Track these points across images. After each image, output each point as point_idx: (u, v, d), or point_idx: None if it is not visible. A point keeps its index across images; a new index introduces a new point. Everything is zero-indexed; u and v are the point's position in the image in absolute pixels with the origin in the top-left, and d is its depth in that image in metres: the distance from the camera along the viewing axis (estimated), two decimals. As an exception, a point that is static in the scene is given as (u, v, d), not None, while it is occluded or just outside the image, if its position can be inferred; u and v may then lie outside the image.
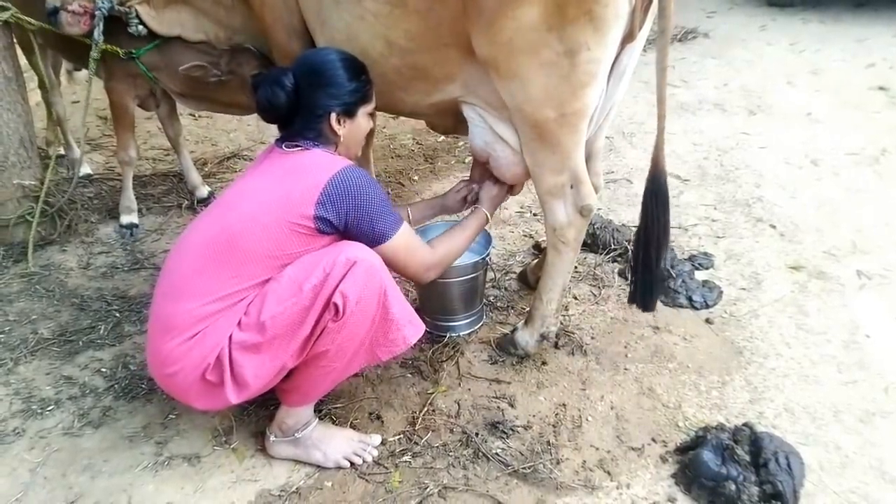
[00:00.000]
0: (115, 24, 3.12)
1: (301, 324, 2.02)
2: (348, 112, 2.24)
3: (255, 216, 2.07)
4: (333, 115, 2.21)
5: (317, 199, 2.06)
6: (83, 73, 3.59)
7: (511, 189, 2.69)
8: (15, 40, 3.53)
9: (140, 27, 3.11)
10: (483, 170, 2.66)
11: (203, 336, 2.04)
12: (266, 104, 2.22)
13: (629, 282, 2.57)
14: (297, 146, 2.20)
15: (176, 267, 2.15)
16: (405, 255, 2.24)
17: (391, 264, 2.20)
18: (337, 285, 2.00)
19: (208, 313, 2.05)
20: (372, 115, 2.39)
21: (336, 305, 1.99)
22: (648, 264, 2.44)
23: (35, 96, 4.62)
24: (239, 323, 2.05)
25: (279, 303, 2.01)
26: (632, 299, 2.57)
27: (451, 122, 2.66)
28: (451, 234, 2.47)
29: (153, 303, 2.17)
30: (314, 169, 2.12)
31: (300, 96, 2.21)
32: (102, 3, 3.03)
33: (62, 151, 4.45)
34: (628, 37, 2.23)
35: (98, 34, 3.09)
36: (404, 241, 2.22)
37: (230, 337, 2.04)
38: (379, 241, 2.16)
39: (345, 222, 2.11)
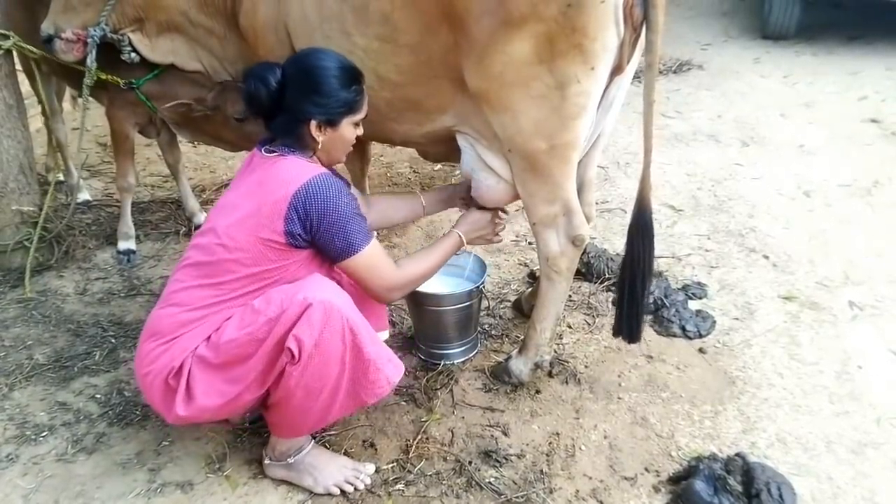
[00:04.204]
0: (115, 52, 3.16)
1: (251, 356, 2.02)
2: (331, 122, 2.19)
3: (229, 233, 2.09)
4: (314, 123, 2.16)
5: (285, 214, 2.05)
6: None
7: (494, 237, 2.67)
8: (19, 67, 3.58)
9: (133, 55, 3.13)
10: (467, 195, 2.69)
11: (178, 341, 2.09)
12: (248, 97, 2.19)
13: (615, 315, 2.58)
14: (274, 151, 2.19)
15: (174, 277, 2.21)
16: (368, 273, 2.20)
17: (354, 280, 2.21)
18: (291, 326, 1.98)
19: (189, 320, 2.09)
20: (358, 124, 2.30)
21: (290, 350, 1.98)
22: (634, 296, 2.46)
23: (35, 123, 4.67)
24: (209, 338, 2.08)
25: (238, 329, 2.03)
26: (617, 332, 2.58)
27: (444, 150, 2.69)
28: (421, 254, 2.43)
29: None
30: (284, 181, 2.09)
31: (285, 95, 2.16)
32: (94, 30, 3.05)
33: (62, 177, 4.48)
34: (617, 69, 2.28)
35: (91, 61, 3.11)
36: (369, 259, 2.17)
37: (196, 348, 2.07)
38: (342, 255, 2.14)
39: (311, 234, 2.10)
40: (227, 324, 2.06)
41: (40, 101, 4.08)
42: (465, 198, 2.70)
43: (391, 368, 2.16)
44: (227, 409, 2.14)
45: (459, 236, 2.52)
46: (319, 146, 2.22)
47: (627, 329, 2.53)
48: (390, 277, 2.25)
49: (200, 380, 2.06)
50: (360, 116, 2.27)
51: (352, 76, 2.21)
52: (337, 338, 2.02)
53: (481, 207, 2.60)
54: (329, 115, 2.17)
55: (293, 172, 2.11)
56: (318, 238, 2.11)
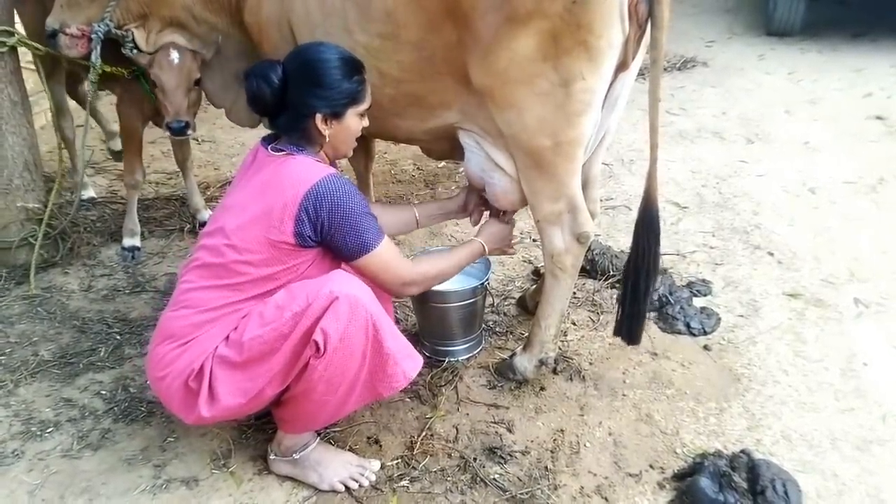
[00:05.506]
0: (119, 47, 3.15)
1: (276, 351, 2.02)
2: (336, 114, 2.19)
3: (238, 235, 2.09)
4: (319, 116, 2.15)
5: (295, 216, 2.05)
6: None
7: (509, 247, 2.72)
8: (24, 64, 3.58)
9: (136, 50, 3.12)
10: (480, 198, 2.69)
11: (194, 343, 2.08)
12: (252, 96, 2.19)
13: (617, 313, 2.57)
14: (281, 150, 2.18)
15: (183, 279, 2.20)
16: (383, 270, 2.20)
17: (368, 278, 2.19)
18: (318, 319, 1.98)
19: (203, 321, 2.09)
20: (364, 115, 2.30)
21: (316, 343, 1.98)
22: (637, 296, 2.45)
23: (40, 120, 4.67)
24: (227, 337, 2.07)
25: (261, 326, 2.03)
26: (617, 331, 2.58)
27: (448, 146, 2.68)
28: (440, 254, 2.47)
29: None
30: (293, 182, 2.08)
31: (288, 91, 2.17)
32: (98, 26, 3.04)
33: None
34: (622, 66, 2.28)
35: (95, 57, 3.10)
36: (382, 256, 2.18)
37: (216, 349, 2.06)
38: (356, 255, 2.14)
39: (321, 235, 2.10)
40: (248, 321, 2.06)
41: (49, 98, 4.07)
42: (478, 204, 2.73)
43: (409, 363, 2.18)
44: (249, 407, 2.14)
45: (482, 245, 2.55)
46: (327, 140, 2.21)
47: (627, 329, 2.53)
48: (405, 273, 2.27)
49: (223, 380, 2.05)
50: (364, 107, 2.27)
51: (353, 67, 2.21)
52: (361, 332, 2.04)
53: (499, 214, 2.65)
54: (334, 107, 2.17)
55: (303, 173, 2.11)
56: (331, 239, 2.11)
